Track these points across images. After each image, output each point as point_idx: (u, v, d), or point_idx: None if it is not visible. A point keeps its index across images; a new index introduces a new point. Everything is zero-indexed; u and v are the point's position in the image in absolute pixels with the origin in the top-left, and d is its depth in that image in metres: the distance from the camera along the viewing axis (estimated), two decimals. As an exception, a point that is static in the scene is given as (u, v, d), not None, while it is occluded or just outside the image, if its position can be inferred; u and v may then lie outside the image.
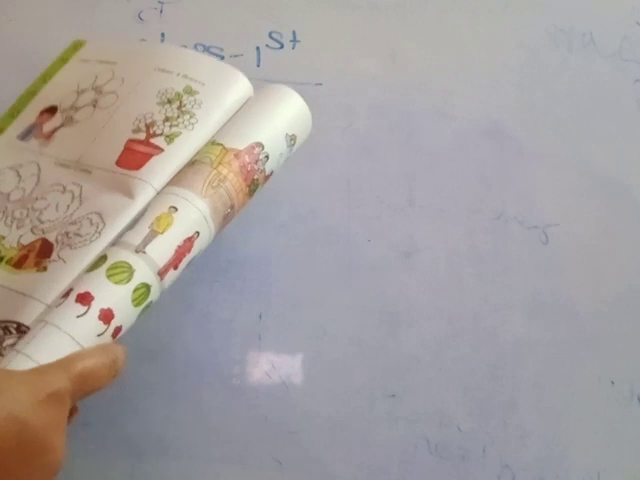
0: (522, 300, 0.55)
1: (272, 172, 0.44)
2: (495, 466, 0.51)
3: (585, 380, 0.53)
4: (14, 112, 0.48)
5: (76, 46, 0.51)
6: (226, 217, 0.41)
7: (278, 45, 0.60)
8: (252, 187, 0.42)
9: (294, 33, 0.60)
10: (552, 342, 0.54)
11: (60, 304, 0.35)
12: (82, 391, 0.32)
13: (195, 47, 0.59)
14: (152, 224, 0.38)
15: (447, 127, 0.59)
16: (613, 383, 0.53)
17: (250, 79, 0.46)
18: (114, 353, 0.35)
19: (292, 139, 0.45)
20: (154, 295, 0.37)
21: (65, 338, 0.34)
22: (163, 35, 0.59)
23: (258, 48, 0.60)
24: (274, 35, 0.60)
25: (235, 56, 0.59)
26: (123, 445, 0.49)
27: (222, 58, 0.58)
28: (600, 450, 0.51)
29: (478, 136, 0.59)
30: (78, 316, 0.34)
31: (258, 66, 0.59)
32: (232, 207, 0.41)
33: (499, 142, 0.59)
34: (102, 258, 0.37)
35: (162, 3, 0.60)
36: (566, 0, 0.63)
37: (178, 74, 0.45)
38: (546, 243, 0.56)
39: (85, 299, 0.35)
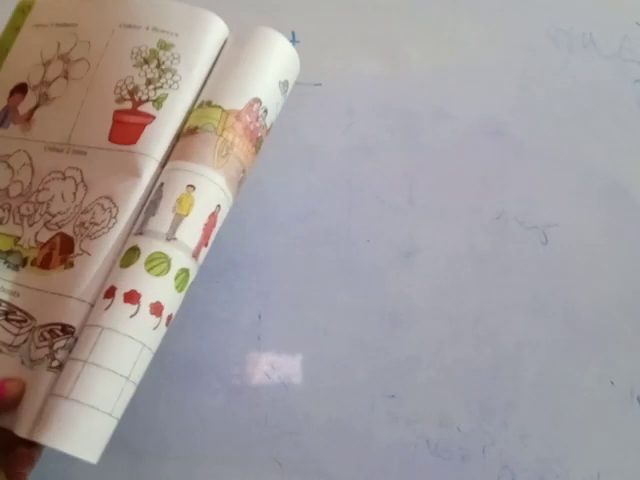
0: (522, 300, 0.55)
1: (272, 124, 0.43)
2: (495, 466, 0.51)
3: (585, 380, 0.53)
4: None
5: (24, 9, 0.46)
6: (240, 182, 0.41)
7: (278, 45, 0.60)
8: (257, 145, 0.42)
9: (294, 33, 0.60)
10: (552, 342, 0.54)
11: (109, 306, 0.35)
12: None
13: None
14: (175, 207, 0.37)
15: (447, 127, 0.59)
16: (613, 383, 0.53)
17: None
18: None
19: (285, 85, 0.43)
20: (193, 276, 0.38)
21: (125, 339, 0.34)
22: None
23: (258, 48, 0.59)
24: (274, 35, 0.60)
25: (235, 56, 0.59)
26: (123, 445, 0.49)
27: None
28: (600, 450, 0.51)
29: (478, 136, 0.59)
30: (131, 316, 0.34)
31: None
32: (244, 171, 0.41)
33: (499, 142, 0.59)
34: (135, 251, 0.36)
35: (162, 3, 0.60)
36: (566, 0, 0.63)
37: (147, 28, 0.42)
38: (546, 243, 0.56)
39: (133, 298, 0.35)
